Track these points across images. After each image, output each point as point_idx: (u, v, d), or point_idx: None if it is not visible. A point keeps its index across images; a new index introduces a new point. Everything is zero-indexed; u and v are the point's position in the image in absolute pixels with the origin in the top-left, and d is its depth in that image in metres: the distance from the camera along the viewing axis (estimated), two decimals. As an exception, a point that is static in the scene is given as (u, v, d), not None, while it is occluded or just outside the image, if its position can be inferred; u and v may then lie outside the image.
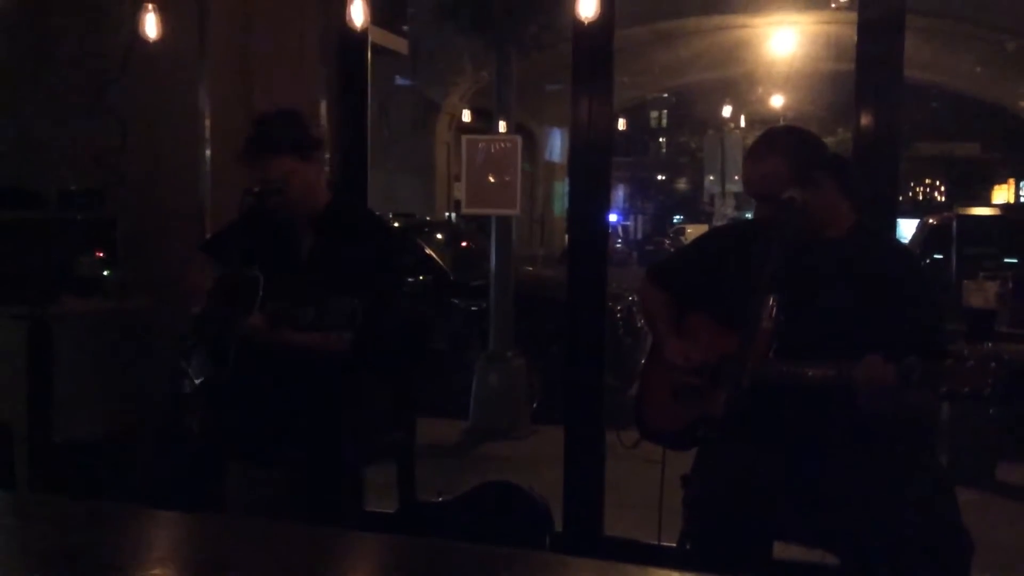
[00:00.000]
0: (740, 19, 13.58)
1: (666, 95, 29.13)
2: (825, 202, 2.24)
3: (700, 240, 2.71)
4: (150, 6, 3.48)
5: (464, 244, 8.60)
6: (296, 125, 2.75)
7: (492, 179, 4.72)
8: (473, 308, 6.93)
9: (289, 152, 2.67)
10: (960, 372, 1.91)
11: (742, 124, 28.02)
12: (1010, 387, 1.87)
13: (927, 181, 31.37)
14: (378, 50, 4.94)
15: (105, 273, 3.64)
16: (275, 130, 2.70)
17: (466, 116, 17.90)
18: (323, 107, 3.66)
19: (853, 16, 3.20)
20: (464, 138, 4.94)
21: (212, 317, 2.67)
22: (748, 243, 2.33)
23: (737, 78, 19.80)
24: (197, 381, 2.68)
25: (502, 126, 6.63)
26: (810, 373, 2.10)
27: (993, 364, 1.88)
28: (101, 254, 3.65)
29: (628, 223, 35.30)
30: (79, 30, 3.84)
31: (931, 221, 9.37)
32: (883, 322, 2.13)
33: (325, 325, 2.34)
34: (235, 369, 2.58)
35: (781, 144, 2.27)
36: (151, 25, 3.51)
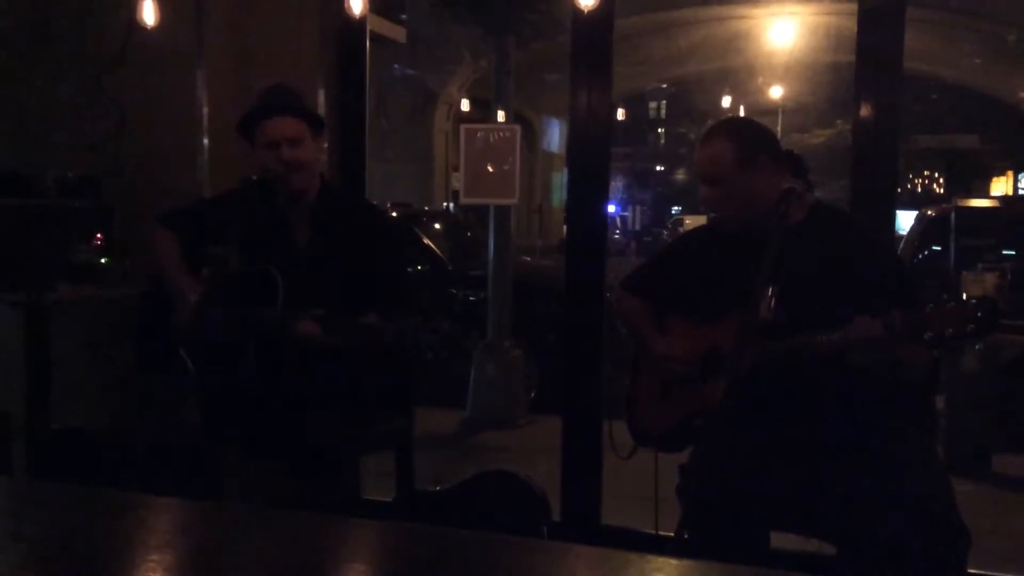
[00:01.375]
0: (740, 10, 13.55)
1: (665, 85, 29.04)
2: (770, 185, 2.26)
3: (669, 247, 2.76)
4: (148, -7, 3.47)
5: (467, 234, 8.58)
6: (304, 99, 2.78)
7: (491, 168, 4.72)
8: (471, 298, 6.93)
9: (303, 118, 2.66)
10: (941, 315, 1.94)
11: (741, 115, 27.94)
12: (993, 320, 1.91)
13: (926, 173, 31.35)
14: (376, 39, 4.92)
15: (102, 261, 3.63)
16: (290, 96, 2.72)
17: (465, 105, 17.86)
18: (321, 96, 3.65)
19: (853, 7, 3.19)
20: (463, 127, 4.92)
21: (227, 314, 2.60)
22: (721, 241, 2.37)
23: (737, 69, 19.76)
24: (195, 371, 2.67)
25: (501, 116, 6.61)
26: (801, 344, 2.12)
27: (973, 302, 1.91)
28: (99, 241, 3.64)
29: (627, 214, 35.27)
30: (77, 17, 3.83)
31: (930, 213, 9.37)
32: (853, 293, 2.14)
33: (413, 342, 2.35)
34: (241, 361, 2.56)
35: (727, 129, 2.37)
36: (149, 13, 3.50)
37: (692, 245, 2.62)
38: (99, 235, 3.64)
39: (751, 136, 2.33)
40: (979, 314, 1.91)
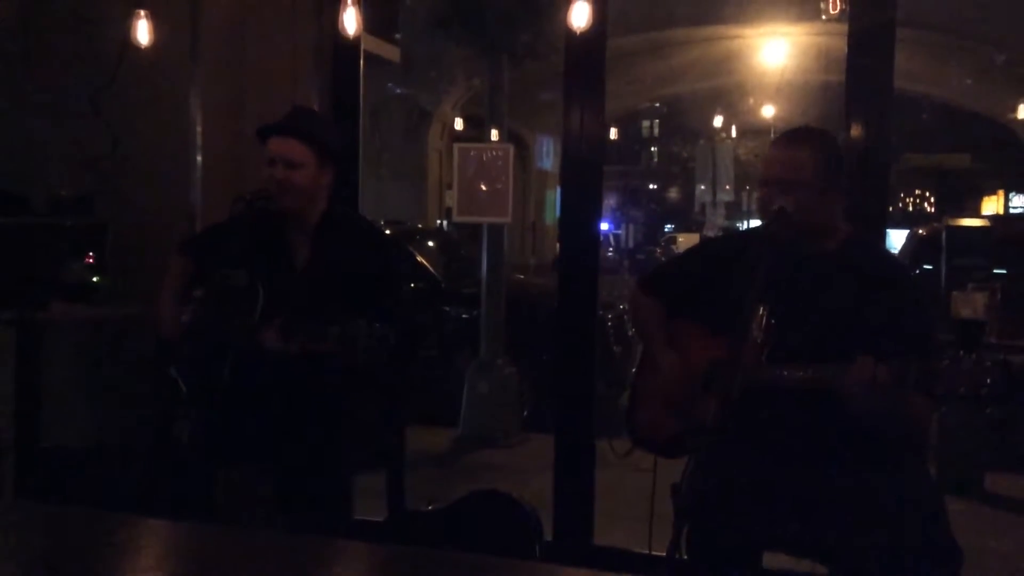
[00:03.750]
0: (732, 30, 13.62)
1: (658, 105, 29.18)
2: (832, 210, 2.26)
3: (693, 250, 2.73)
4: (142, 12, 3.47)
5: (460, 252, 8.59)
6: (327, 126, 2.84)
7: (484, 187, 4.73)
8: (464, 316, 6.93)
9: (310, 145, 2.67)
10: (956, 372, 1.92)
11: (733, 134, 28.07)
12: (1007, 388, 1.88)
13: (917, 192, 31.48)
14: (370, 58, 4.95)
15: (94, 279, 3.62)
16: (307, 119, 2.76)
17: (458, 124, 17.91)
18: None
19: (844, 28, 3.22)
20: (456, 146, 4.95)
21: (208, 326, 2.65)
22: (741, 255, 2.34)
23: (728, 88, 19.85)
24: (186, 388, 2.67)
25: (494, 134, 6.64)
26: (800, 375, 2.11)
27: (989, 363, 1.89)
28: (91, 260, 3.63)
29: (619, 232, 35.33)
30: (71, 36, 3.83)
31: (921, 232, 9.41)
32: (875, 334, 2.13)
33: (355, 348, 2.33)
34: (234, 377, 2.57)
35: (814, 138, 2.29)
36: (143, 31, 3.50)
37: (716, 252, 2.58)
38: (91, 253, 3.63)
39: (836, 152, 2.26)
40: (996, 378, 1.88)
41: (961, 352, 1.97)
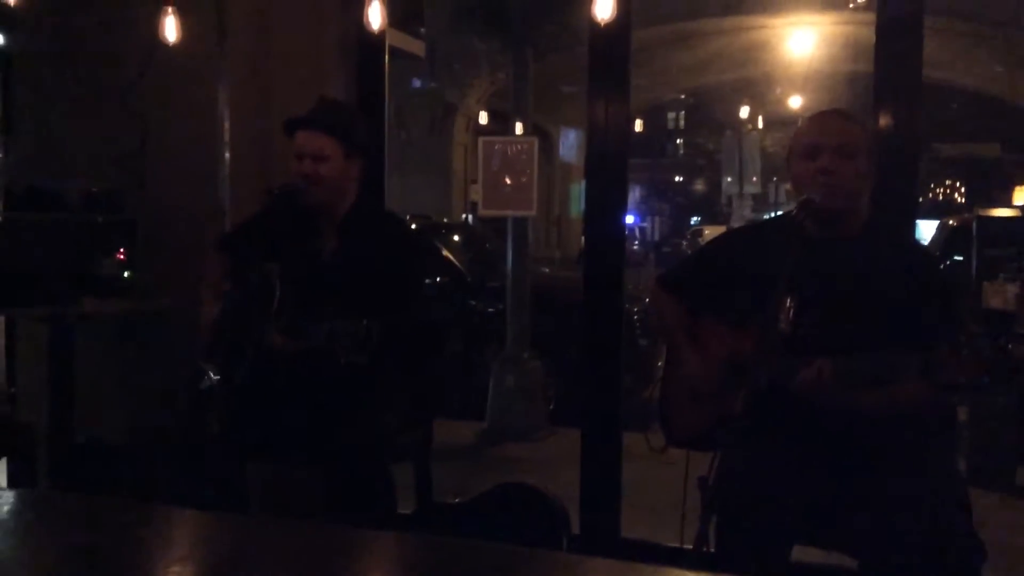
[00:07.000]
0: (758, 20, 13.53)
1: (683, 96, 29.03)
2: (864, 197, 2.25)
3: (712, 244, 2.71)
4: (169, 9, 3.50)
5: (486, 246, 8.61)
6: (353, 118, 2.85)
7: (509, 180, 4.73)
8: (490, 310, 6.94)
9: (337, 137, 2.69)
10: (955, 363, 1.91)
11: (760, 125, 27.85)
12: (1007, 376, 1.88)
13: (947, 182, 31.12)
14: (395, 52, 4.97)
15: (126, 274, 3.66)
16: (333, 112, 2.78)
17: (483, 118, 17.91)
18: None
19: (871, 16, 3.18)
20: (481, 139, 4.95)
21: (229, 321, 2.69)
22: (762, 246, 2.32)
23: (755, 79, 19.72)
24: (216, 381, 2.70)
25: (519, 127, 6.63)
26: (767, 371, 2.11)
27: (988, 353, 1.88)
28: (122, 256, 3.68)
29: (645, 224, 35.20)
30: (100, 33, 3.87)
31: (951, 222, 9.32)
32: (897, 320, 2.12)
33: (335, 348, 2.34)
34: (253, 371, 2.61)
35: (864, 121, 2.35)
36: (171, 28, 3.53)
37: (736, 245, 2.56)
38: (122, 249, 3.67)
39: (874, 137, 2.32)
40: (995, 367, 1.87)
41: (961, 338, 1.96)
